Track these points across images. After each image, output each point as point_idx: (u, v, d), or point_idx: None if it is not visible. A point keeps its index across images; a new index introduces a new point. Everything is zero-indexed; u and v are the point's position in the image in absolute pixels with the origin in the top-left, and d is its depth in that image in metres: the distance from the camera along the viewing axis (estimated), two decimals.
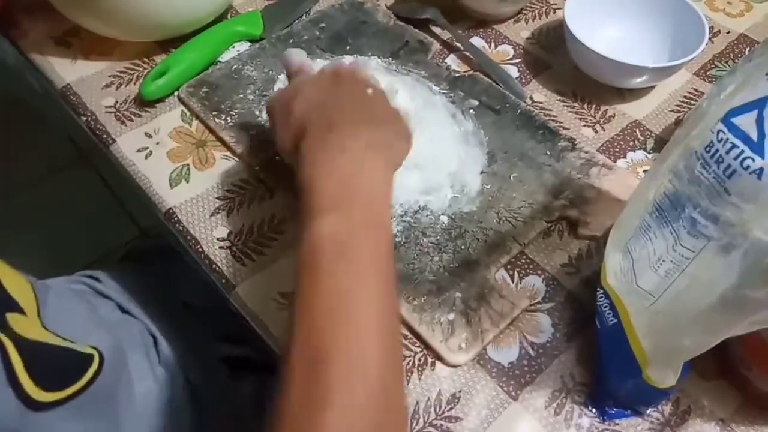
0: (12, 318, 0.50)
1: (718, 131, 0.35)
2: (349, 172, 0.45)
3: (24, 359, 0.47)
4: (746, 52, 0.75)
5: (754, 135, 0.33)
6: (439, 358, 0.51)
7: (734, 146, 0.34)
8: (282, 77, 0.70)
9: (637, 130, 0.67)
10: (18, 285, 0.54)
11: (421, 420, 0.49)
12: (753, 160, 0.33)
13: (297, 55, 0.58)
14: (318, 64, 0.71)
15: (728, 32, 0.78)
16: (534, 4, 0.81)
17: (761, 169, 0.32)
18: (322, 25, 0.76)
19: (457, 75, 0.71)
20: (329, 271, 0.40)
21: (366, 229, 0.43)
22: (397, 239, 0.57)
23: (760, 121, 0.33)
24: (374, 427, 0.36)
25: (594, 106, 0.69)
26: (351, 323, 0.38)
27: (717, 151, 0.35)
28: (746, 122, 0.33)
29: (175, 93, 0.69)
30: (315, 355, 0.37)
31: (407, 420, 0.42)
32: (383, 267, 0.42)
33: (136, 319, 0.68)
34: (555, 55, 0.74)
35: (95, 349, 0.56)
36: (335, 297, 0.39)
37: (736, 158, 0.34)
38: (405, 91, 0.64)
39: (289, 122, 0.50)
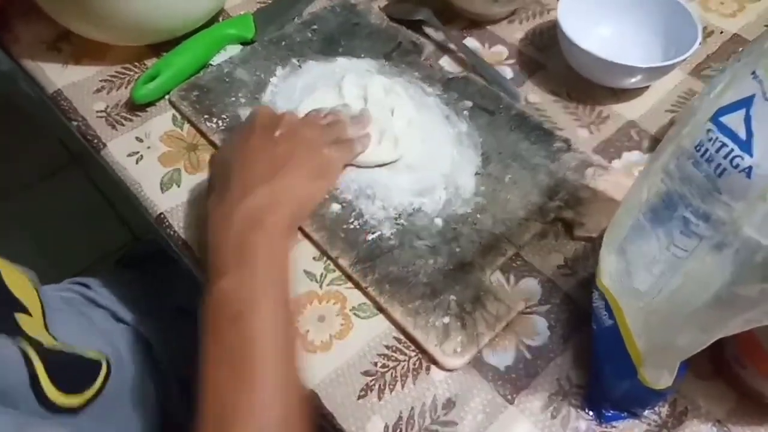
0: (21, 318, 0.51)
1: (708, 130, 0.35)
2: (243, 233, 0.47)
3: (45, 365, 0.47)
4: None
5: (742, 133, 0.33)
6: (434, 362, 0.51)
7: (723, 145, 0.34)
8: (274, 80, 0.70)
9: (632, 131, 0.67)
10: (22, 286, 0.55)
11: (416, 425, 0.48)
12: (742, 158, 0.33)
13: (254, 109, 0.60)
14: (310, 67, 0.71)
15: (722, 32, 0.78)
16: (527, 4, 0.81)
17: (750, 167, 0.32)
18: (315, 27, 0.76)
19: (450, 76, 0.71)
20: (227, 333, 0.43)
21: (263, 288, 0.45)
22: (391, 242, 0.56)
23: (747, 120, 0.33)
24: None
25: (589, 107, 0.69)
26: (250, 388, 0.41)
27: (707, 150, 0.35)
28: (734, 121, 0.33)
29: (166, 97, 0.69)
30: (220, 422, 0.40)
31: None
32: (277, 322, 0.45)
33: (130, 326, 0.68)
34: (549, 56, 0.74)
35: (100, 353, 0.56)
36: (232, 361, 0.42)
37: (725, 157, 0.34)
38: (402, 108, 0.64)
39: (210, 184, 0.54)
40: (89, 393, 0.52)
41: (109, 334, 0.65)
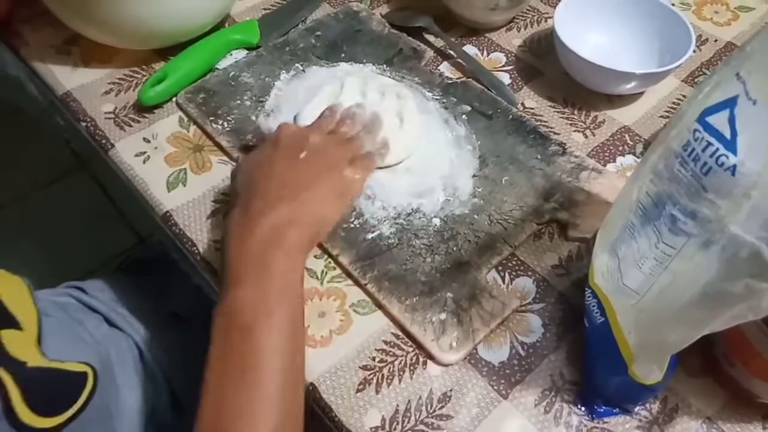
0: (6, 335, 0.51)
1: (695, 130, 0.36)
2: (263, 247, 0.49)
3: (22, 389, 0.47)
4: None
5: (727, 133, 0.34)
6: (431, 357, 0.52)
7: (709, 144, 0.35)
8: (279, 84, 0.71)
9: (627, 136, 0.69)
10: (18, 297, 0.55)
11: (413, 418, 0.49)
12: (727, 157, 0.34)
13: (271, 122, 0.63)
14: (313, 72, 0.72)
15: (716, 40, 0.80)
16: (525, 12, 0.83)
17: (734, 166, 0.34)
18: (318, 33, 0.78)
19: (449, 81, 0.72)
20: (234, 345, 0.45)
21: (277, 302, 0.47)
22: (390, 241, 0.58)
23: (731, 120, 0.34)
24: None
25: (584, 112, 0.71)
26: (252, 399, 0.43)
27: (694, 149, 0.36)
28: (719, 121, 0.34)
29: (173, 99, 0.71)
30: (217, 428, 0.42)
31: None
32: (290, 337, 0.46)
33: (122, 333, 0.68)
34: (546, 63, 0.76)
35: (87, 365, 0.56)
36: (238, 373, 0.44)
37: (711, 156, 0.35)
38: (409, 111, 0.65)
39: (232, 194, 0.55)
40: (71, 411, 0.52)
41: (101, 339, 0.65)
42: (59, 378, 0.54)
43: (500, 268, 0.58)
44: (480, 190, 0.62)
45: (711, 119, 0.35)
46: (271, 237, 0.49)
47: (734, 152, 0.33)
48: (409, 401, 0.50)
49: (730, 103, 0.34)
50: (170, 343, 0.69)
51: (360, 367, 0.52)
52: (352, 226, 0.59)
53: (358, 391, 0.51)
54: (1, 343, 0.50)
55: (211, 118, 0.68)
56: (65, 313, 0.66)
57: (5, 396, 0.47)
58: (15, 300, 0.54)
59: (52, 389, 0.52)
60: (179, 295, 0.76)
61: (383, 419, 0.49)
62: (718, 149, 0.34)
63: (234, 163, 0.65)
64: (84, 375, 0.55)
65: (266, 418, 0.42)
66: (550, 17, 0.81)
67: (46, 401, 0.50)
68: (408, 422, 0.49)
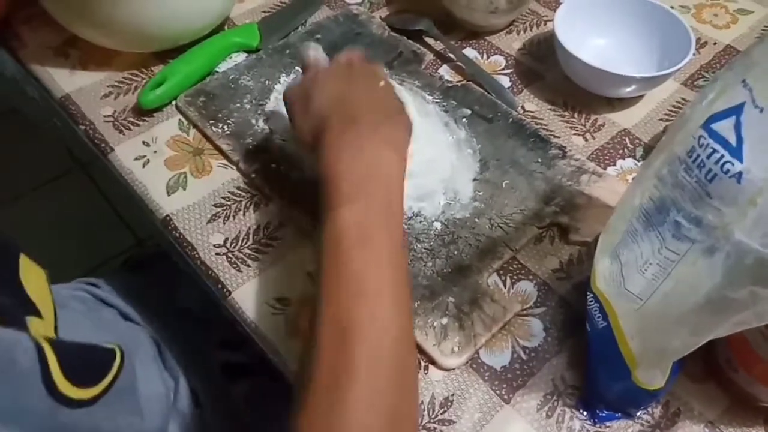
0: (31, 322, 0.51)
1: (699, 137, 0.36)
2: (368, 165, 0.48)
3: (59, 359, 0.48)
4: None
5: (732, 140, 0.34)
6: (433, 361, 0.52)
7: (714, 151, 0.35)
8: (279, 87, 0.71)
9: (627, 139, 0.69)
10: (39, 286, 0.55)
11: None
12: (732, 164, 0.34)
13: (313, 50, 0.60)
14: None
15: (715, 43, 0.80)
16: (525, 15, 0.83)
17: (740, 173, 0.34)
18: (318, 36, 0.78)
19: (450, 85, 0.72)
20: (351, 257, 0.43)
21: (383, 217, 0.46)
22: None
23: (737, 127, 0.34)
24: (392, 406, 0.39)
25: (584, 115, 0.71)
26: (372, 305, 0.42)
27: (698, 156, 0.36)
28: (725, 128, 0.34)
29: (173, 102, 0.70)
30: (341, 335, 0.40)
31: (418, 400, 0.46)
32: (398, 252, 0.45)
33: (139, 326, 0.68)
34: (546, 66, 0.76)
35: (116, 345, 0.56)
36: (356, 281, 0.43)
37: (716, 163, 0.35)
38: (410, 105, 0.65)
39: (309, 114, 0.53)
40: (104, 383, 0.52)
41: (120, 331, 0.66)
42: (91, 351, 0.54)
43: (501, 272, 0.58)
44: (481, 193, 0.62)
45: (716, 126, 0.35)
46: (382, 152, 0.49)
47: (740, 159, 0.34)
48: None
49: (736, 111, 0.34)
50: (183, 338, 0.70)
51: None
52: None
53: None
54: (27, 328, 0.50)
55: (211, 122, 0.68)
56: (85, 307, 0.66)
57: (44, 362, 0.47)
58: (36, 289, 0.55)
59: (87, 361, 0.53)
60: (187, 292, 0.76)
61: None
62: (723, 156, 0.34)
63: (233, 167, 0.65)
64: (112, 351, 0.55)
65: (384, 327, 0.41)
66: (549, 20, 0.81)
67: (82, 372, 0.50)
68: None
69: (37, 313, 0.52)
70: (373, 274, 0.43)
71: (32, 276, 0.55)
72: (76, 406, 0.48)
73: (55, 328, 0.55)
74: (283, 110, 0.68)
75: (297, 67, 0.73)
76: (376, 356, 0.40)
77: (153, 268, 0.81)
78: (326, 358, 0.40)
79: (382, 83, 0.56)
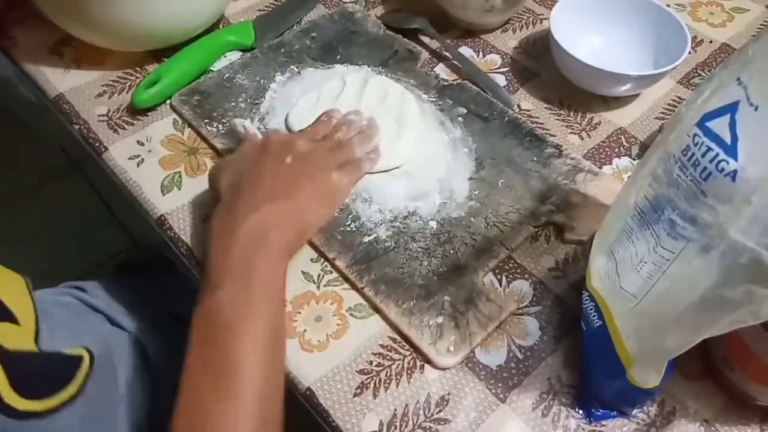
0: (1, 327, 0.50)
1: (694, 135, 0.36)
2: (246, 248, 0.48)
3: (7, 372, 0.47)
4: None
5: (727, 138, 0.34)
6: (428, 361, 0.52)
7: (709, 149, 0.35)
8: (273, 86, 0.71)
9: (622, 137, 0.69)
10: (16, 292, 0.54)
11: (410, 422, 0.49)
12: (727, 162, 0.34)
13: (240, 126, 0.61)
14: (309, 73, 0.72)
15: (711, 42, 0.80)
16: (521, 14, 0.83)
17: (735, 171, 0.33)
18: (313, 34, 0.77)
19: (445, 83, 0.72)
20: (216, 343, 0.44)
21: (259, 303, 0.46)
22: (386, 244, 0.58)
23: (732, 125, 0.34)
24: None
25: (580, 114, 0.71)
26: (230, 400, 0.42)
27: (693, 154, 0.36)
28: (720, 126, 0.34)
29: (167, 101, 0.70)
30: (192, 429, 0.41)
31: None
32: (270, 340, 0.46)
33: (125, 331, 0.68)
34: (541, 64, 0.76)
35: (85, 348, 0.56)
36: (220, 372, 0.43)
37: (711, 161, 0.35)
38: (411, 115, 0.66)
39: (214, 194, 0.55)
40: (65, 394, 0.52)
41: (104, 337, 0.65)
42: (51, 361, 0.54)
43: (497, 271, 0.58)
44: (476, 192, 0.62)
45: (711, 124, 0.35)
46: (255, 238, 0.49)
47: (735, 158, 0.33)
48: (406, 405, 0.50)
49: (730, 108, 0.34)
50: (172, 343, 0.69)
51: (357, 372, 0.52)
52: (348, 229, 0.59)
53: (355, 395, 0.50)
54: None
55: (205, 121, 0.67)
56: (68, 312, 0.66)
57: None
58: (12, 296, 0.54)
59: (42, 372, 0.52)
60: (178, 296, 0.75)
61: (381, 424, 0.49)
62: (718, 154, 0.34)
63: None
64: (79, 358, 0.55)
65: (243, 420, 0.42)
66: (545, 19, 0.81)
67: (35, 384, 0.50)
68: (406, 426, 0.49)
69: (12, 320, 0.52)
70: (235, 363, 0.43)
71: (8, 282, 0.55)
72: (27, 418, 0.47)
73: (37, 334, 0.54)
74: (279, 109, 0.68)
75: (292, 66, 0.73)
76: None
77: (144, 272, 0.80)
78: None
79: (288, 159, 0.55)
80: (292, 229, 0.52)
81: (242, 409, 0.42)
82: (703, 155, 0.35)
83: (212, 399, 0.42)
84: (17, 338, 0.52)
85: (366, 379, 0.51)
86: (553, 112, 0.71)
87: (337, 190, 0.58)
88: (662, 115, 0.71)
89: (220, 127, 0.67)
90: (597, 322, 0.48)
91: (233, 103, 0.69)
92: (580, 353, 0.52)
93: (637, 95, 0.72)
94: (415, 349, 0.53)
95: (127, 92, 0.72)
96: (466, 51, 0.77)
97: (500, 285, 0.57)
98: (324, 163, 0.58)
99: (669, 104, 0.72)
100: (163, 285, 0.77)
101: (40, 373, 0.52)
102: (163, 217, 0.61)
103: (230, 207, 0.51)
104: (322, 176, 0.57)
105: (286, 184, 0.54)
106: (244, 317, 0.45)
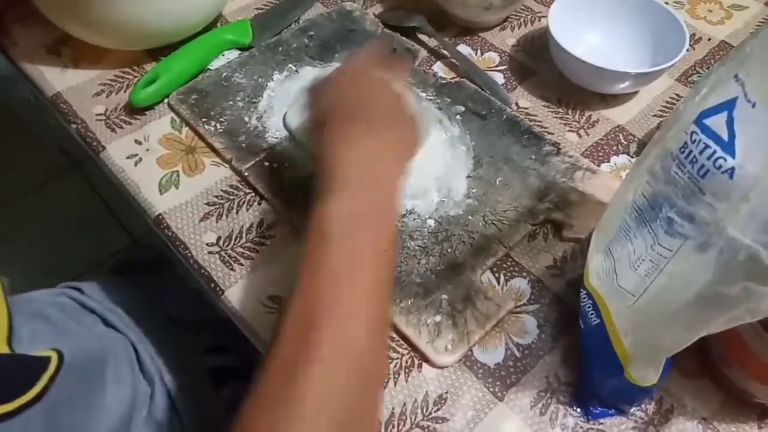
0: None
1: (692, 132, 0.36)
2: (365, 159, 0.47)
3: None
4: None
5: (724, 135, 0.34)
6: (426, 359, 0.52)
7: (707, 146, 0.35)
8: (271, 84, 0.71)
9: (621, 135, 0.69)
10: None
11: (408, 421, 0.49)
12: (725, 159, 0.34)
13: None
14: (307, 72, 0.72)
15: (709, 39, 0.80)
16: (519, 12, 0.82)
17: (732, 169, 0.33)
18: (311, 33, 0.77)
19: (443, 81, 0.72)
20: (335, 245, 0.42)
21: (375, 213, 0.45)
22: None
23: (729, 122, 0.34)
24: (347, 410, 0.37)
25: (578, 112, 0.71)
26: (343, 299, 0.40)
27: (691, 151, 0.36)
28: (717, 123, 0.34)
29: (165, 100, 0.70)
30: (304, 328, 0.38)
31: (380, 409, 0.43)
32: (380, 254, 0.44)
33: (119, 333, 0.67)
34: (540, 62, 0.76)
35: (55, 350, 0.55)
36: (333, 273, 0.41)
37: (708, 158, 0.35)
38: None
39: (318, 107, 0.53)
40: (26, 397, 0.50)
41: (97, 337, 0.65)
42: (15, 364, 0.53)
43: (495, 269, 0.57)
44: (474, 190, 0.62)
45: (709, 121, 0.35)
46: (378, 153, 0.48)
47: (732, 155, 0.33)
48: (404, 404, 0.50)
49: (728, 105, 0.34)
50: (167, 345, 0.69)
51: None
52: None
53: None
54: None
55: (203, 120, 0.67)
56: (63, 313, 0.65)
57: None
58: None
59: (5, 375, 0.51)
60: (175, 297, 0.75)
61: (379, 423, 0.49)
62: (715, 151, 0.34)
63: (226, 165, 0.64)
64: (46, 359, 0.54)
65: (354, 319, 0.40)
66: (543, 16, 0.81)
67: None
68: (404, 425, 0.49)
69: None
70: (351, 272, 0.41)
71: None
72: None
73: (9, 340, 0.53)
74: (277, 107, 0.68)
75: (290, 64, 0.73)
76: (338, 356, 0.38)
77: (140, 272, 0.80)
78: (284, 350, 0.38)
79: (392, 89, 0.54)
80: (405, 152, 0.52)
81: (357, 300, 0.40)
82: (701, 152, 0.35)
83: (329, 286, 0.40)
84: None
85: None
86: (551, 109, 0.71)
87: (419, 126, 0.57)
88: (660, 113, 0.71)
89: (218, 125, 0.67)
90: (595, 320, 0.48)
91: (231, 102, 0.69)
92: (578, 351, 0.52)
93: (635, 93, 0.72)
94: (413, 347, 0.53)
95: (125, 91, 0.72)
96: (464, 49, 0.77)
97: (498, 283, 0.57)
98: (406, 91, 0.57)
99: (667, 102, 0.72)
100: (162, 285, 0.77)
101: (3, 375, 0.51)
102: (160, 216, 0.61)
103: (351, 120, 0.50)
104: (410, 111, 0.56)
105: (393, 111, 0.53)
106: (362, 224, 0.44)
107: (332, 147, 0.48)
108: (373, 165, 0.48)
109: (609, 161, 0.66)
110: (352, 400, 0.37)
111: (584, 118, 0.70)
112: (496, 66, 0.76)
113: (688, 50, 0.66)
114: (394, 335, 0.53)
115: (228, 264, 0.57)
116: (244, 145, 0.65)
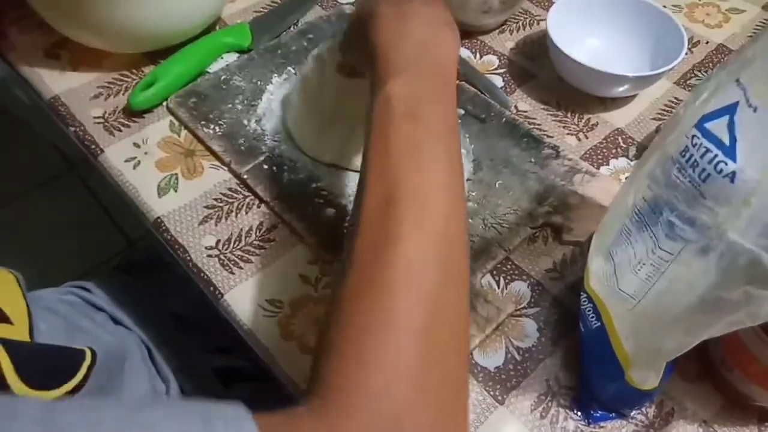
0: None
1: (693, 136, 0.36)
2: (422, 39, 0.45)
3: (14, 360, 0.47)
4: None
5: (726, 139, 0.34)
6: None
7: (708, 151, 0.35)
8: (270, 87, 0.71)
9: (620, 138, 0.69)
10: (7, 291, 0.54)
11: None
12: (726, 163, 0.34)
13: None
14: None
15: (707, 42, 0.80)
16: (518, 15, 0.82)
17: (734, 173, 0.33)
18: (310, 36, 0.77)
19: None
20: (399, 127, 0.41)
21: (435, 94, 0.43)
22: None
23: (731, 126, 0.34)
24: (439, 264, 0.36)
25: (577, 115, 0.71)
26: (421, 171, 0.39)
27: (692, 155, 0.36)
28: (718, 127, 0.34)
29: (164, 103, 0.70)
30: (386, 198, 0.37)
31: (468, 276, 0.41)
32: (449, 130, 0.42)
33: (129, 330, 0.68)
34: (539, 65, 0.76)
35: (87, 348, 0.56)
36: (404, 149, 0.40)
37: (710, 162, 0.35)
38: None
39: (364, 7, 0.50)
40: (70, 384, 0.51)
41: (110, 334, 0.65)
42: (56, 353, 0.53)
43: (495, 272, 0.57)
44: (474, 194, 0.61)
45: (710, 125, 0.35)
46: (435, 32, 0.46)
47: (733, 159, 0.33)
48: None
49: (729, 110, 0.34)
50: (175, 343, 0.69)
51: None
52: (345, 230, 0.58)
53: None
54: None
55: (202, 123, 0.67)
56: (73, 310, 0.65)
57: None
58: (5, 295, 0.54)
59: (48, 362, 0.52)
60: (179, 295, 0.75)
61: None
62: (716, 156, 0.34)
63: (225, 168, 0.64)
64: (82, 351, 0.54)
65: (439, 195, 0.39)
66: (542, 20, 0.81)
67: (41, 374, 0.49)
68: None
69: (5, 320, 0.52)
70: (421, 145, 0.40)
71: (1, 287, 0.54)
72: None
73: (30, 332, 0.54)
74: (275, 110, 0.68)
75: (289, 67, 0.73)
76: (424, 231, 0.36)
77: (145, 272, 0.80)
78: (369, 231, 0.37)
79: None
80: (456, 31, 0.49)
81: (431, 178, 0.39)
82: (702, 156, 0.35)
83: (400, 170, 0.39)
84: (12, 337, 0.51)
85: None
86: (551, 113, 0.71)
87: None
88: (659, 116, 0.71)
89: (217, 129, 0.67)
90: (595, 324, 0.48)
91: (230, 105, 0.69)
92: (579, 355, 0.52)
93: (634, 96, 0.72)
94: None
95: (124, 94, 0.71)
96: (463, 52, 0.77)
97: (498, 286, 0.57)
98: None
99: (666, 105, 0.72)
100: (160, 284, 0.77)
101: (45, 363, 0.51)
102: (159, 220, 0.60)
103: (403, 3, 0.48)
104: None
105: (443, 12, 0.50)
106: (425, 104, 0.42)
107: (384, 33, 0.46)
108: (430, 43, 0.45)
109: (608, 164, 0.66)
110: (440, 276, 0.36)
111: (583, 121, 0.70)
112: (495, 69, 0.76)
113: (686, 54, 0.67)
114: None
115: (227, 267, 0.57)
116: (243, 148, 0.65)
